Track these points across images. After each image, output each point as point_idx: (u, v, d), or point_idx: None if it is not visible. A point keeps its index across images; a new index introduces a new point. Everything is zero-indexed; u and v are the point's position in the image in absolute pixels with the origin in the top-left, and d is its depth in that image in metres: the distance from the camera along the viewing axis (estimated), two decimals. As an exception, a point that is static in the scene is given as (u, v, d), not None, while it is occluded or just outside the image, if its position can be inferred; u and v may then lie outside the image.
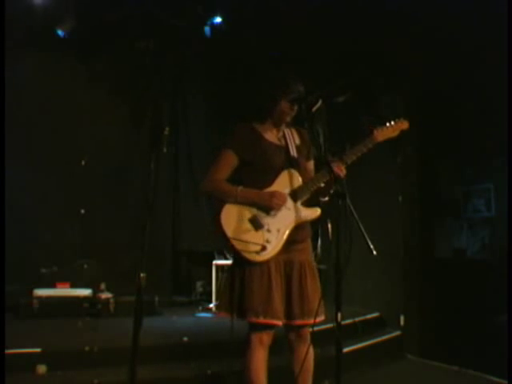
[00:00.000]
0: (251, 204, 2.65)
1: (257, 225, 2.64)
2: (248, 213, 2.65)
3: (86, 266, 5.38)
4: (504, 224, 4.56)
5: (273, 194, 2.64)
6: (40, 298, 4.80)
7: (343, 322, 2.44)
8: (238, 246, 2.60)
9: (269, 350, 2.74)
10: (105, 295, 5.05)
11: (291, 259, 2.69)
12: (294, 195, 2.69)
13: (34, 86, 5.42)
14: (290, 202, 2.68)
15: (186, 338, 3.98)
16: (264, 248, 2.60)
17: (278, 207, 2.64)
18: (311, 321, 2.64)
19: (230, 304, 2.67)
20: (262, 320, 2.58)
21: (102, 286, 5.20)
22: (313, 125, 2.82)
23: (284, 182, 2.71)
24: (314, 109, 2.88)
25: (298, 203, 2.69)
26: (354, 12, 5.13)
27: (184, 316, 5.19)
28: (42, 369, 3.39)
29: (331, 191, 2.68)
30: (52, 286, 5.06)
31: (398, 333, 5.12)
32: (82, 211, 5.61)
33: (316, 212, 2.71)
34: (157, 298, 5.14)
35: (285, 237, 2.64)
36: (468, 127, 4.95)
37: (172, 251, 6.35)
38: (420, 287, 5.26)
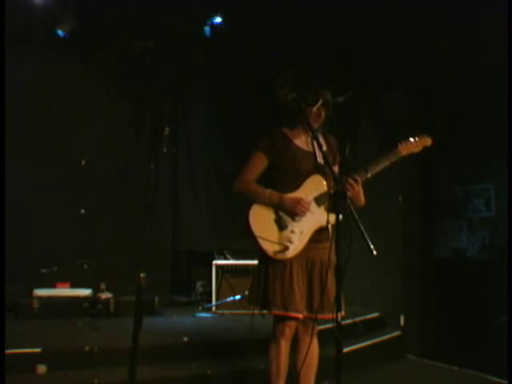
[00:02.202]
0: (277, 207, 2.83)
1: (281, 226, 2.83)
2: (274, 214, 2.84)
3: (85, 266, 5.38)
4: (504, 224, 4.57)
5: (297, 201, 2.81)
6: (40, 298, 4.79)
7: (343, 322, 2.44)
8: (263, 244, 2.79)
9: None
10: (105, 295, 5.05)
11: (313, 258, 2.85)
12: (319, 200, 2.84)
13: (34, 86, 5.41)
14: (314, 207, 2.84)
15: (185, 338, 3.98)
16: (286, 248, 2.78)
17: (302, 214, 2.81)
18: (331, 315, 2.74)
19: (256, 298, 2.87)
20: (283, 312, 2.76)
21: (102, 286, 5.19)
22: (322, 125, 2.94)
23: (310, 187, 2.86)
24: (315, 108, 2.90)
25: (322, 208, 2.84)
26: (354, 12, 5.13)
27: (184, 316, 5.18)
28: (42, 369, 3.39)
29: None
30: (52, 285, 5.05)
31: (397, 333, 5.11)
32: (82, 211, 5.60)
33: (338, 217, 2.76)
34: (157, 298, 5.14)
35: (307, 239, 2.82)
36: (468, 127, 4.95)
37: (172, 251, 6.34)
38: (420, 287, 5.27)
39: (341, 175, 2.80)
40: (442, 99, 5.20)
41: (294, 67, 5.26)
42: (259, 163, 2.93)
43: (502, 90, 4.33)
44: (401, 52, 5.29)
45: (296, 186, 2.86)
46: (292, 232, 2.81)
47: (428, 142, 3.04)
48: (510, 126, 4.34)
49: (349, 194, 2.73)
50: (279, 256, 2.78)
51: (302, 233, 2.81)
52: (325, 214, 2.77)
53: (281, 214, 2.83)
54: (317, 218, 2.82)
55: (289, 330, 2.84)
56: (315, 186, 2.85)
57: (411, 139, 2.98)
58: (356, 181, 2.81)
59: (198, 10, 5.76)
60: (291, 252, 2.78)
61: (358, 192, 2.83)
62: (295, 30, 5.51)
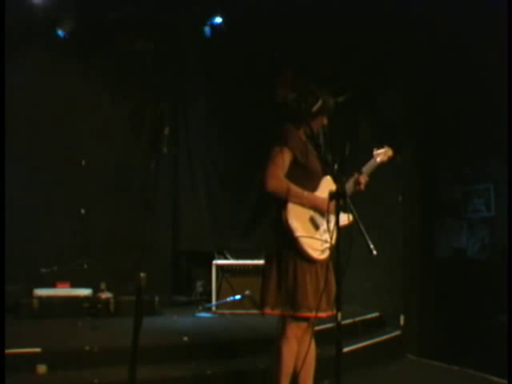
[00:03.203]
0: (312, 207, 2.83)
1: (316, 225, 2.84)
2: (308, 213, 2.84)
3: (85, 265, 5.38)
4: (504, 224, 4.57)
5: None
6: (40, 298, 4.80)
7: (343, 322, 2.44)
8: (305, 243, 2.75)
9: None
10: (105, 295, 5.05)
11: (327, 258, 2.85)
12: None
13: (34, 86, 5.42)
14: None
15: (186, 338, 3.98)
16: (328, 247, 2.78)
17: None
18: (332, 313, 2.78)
19: (278, 301, 2.80)
20: (314, 314, 2.74)
21: (102, 285, 5.20)
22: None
23: (326, 188, 2.84)
24: (314, 109, 2.90)
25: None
26: (354, 12, 5.13)
27: (184, 316, 5.19)
28: (42, 369, 3.39)
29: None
30: (52, 285, 5.06)
31: (397, 333, 5.11)
32: (82, 211, 5.61)
33: (350, 218, 2.75)
34: (157, 298, 5.14)
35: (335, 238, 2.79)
36: (468, 127, 4.95)
37: (172, 251, 6.34)
38: (420, 287, 5.26)
39: (341, 175, 2.80)
40: (441, 99, 5.19)
41: (293, 67, 5.28)
42: (287, 159, 2.86)
43: (501, 90, 4.33)
44: (400, 52, 5.29)
45: (314, 186, 2.90)
46: (325, 231, 2.82)
47: (389, 152, 3.17)
48: (510, 126, 4.34)
49: (362, 187, 2.95)
50: (320, 256, 2.78)
51: (332, 232, 2.80)
52: (342, 215, 2.73)
53: (312, 213, 2.84)
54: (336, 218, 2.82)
55: (301, 331, 2.84)
56: (330, 186, 2.83)
57: (379, 149, 3.14)
58: (365, 179, 2.97)
59: (198, 10, 5.76)
60: (329, 251, 2.80)
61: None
62: (295, 30, 5.50)
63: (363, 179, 2.98)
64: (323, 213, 2.83)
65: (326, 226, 2.83)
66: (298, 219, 2.79)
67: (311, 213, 2.84)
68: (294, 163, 2.88)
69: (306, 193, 2.83)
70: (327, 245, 2.79)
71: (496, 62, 4.44)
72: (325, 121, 2.97)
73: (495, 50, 4.42)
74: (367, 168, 3.06)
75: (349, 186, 2.93)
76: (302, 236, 2.75)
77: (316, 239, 2.77)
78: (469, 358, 4.50)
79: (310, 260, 2.78)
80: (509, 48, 4.22)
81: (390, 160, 3.20)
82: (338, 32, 5.36)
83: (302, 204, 2.81)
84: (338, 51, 5.55)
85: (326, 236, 2.81)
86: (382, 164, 3.15)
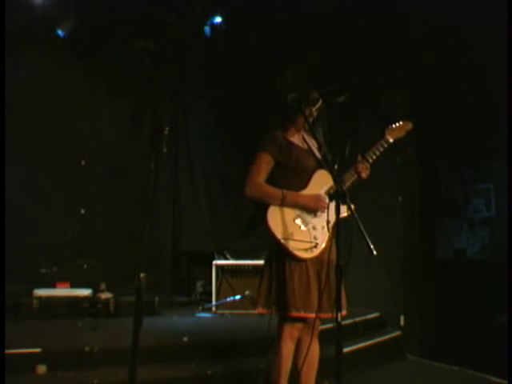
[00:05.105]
0: (295, 206, 2.82)
1: (303, 224, 2.80)
2: (292, 213, 2.81)
3: (85, 266, 5.38)
4: (504, 224, 4.57)
5: (318, 198, 2.83)
6: (40, 298, 4.80)
7: (343, 322, 2.44)
8: (290, 245, 2.74)
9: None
10: (105, 295, 5.05)
11: (322, 257, 2.81)
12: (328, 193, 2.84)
13: (34, 86, 5.41)
14: (328, 200, 2.82)
15: (185, 338, 3.97)
16: (315, 245, 2.77)
17: (323, 209, 2.81)
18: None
19: (268, 301, 2.81)
20: (302, 314, 2.73)
21: (102, 285, 5.20)
22: (313, 124, 2.92)
23: (319, 183, 2.88)
24: (314, 109, 2.91)
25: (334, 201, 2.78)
26: (355, 12, 5.13)
27: (184, 316, 5.19)
28: (42, 369, 3.39)
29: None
30: (52, 285, 5.06)
31: (397, 333, 5.12)
32: (82, 211, 5.61)
33: (348, 211, 2.73)
34: (157, 298, 5.14)
35: (329, 233, 2.78)
36: (468, 127, 4.95)
37: (172, 251, 6.34)
38: (420, 287, 5.27)
39: (340, 174, 2.80)
40: (441, 99, 5.19)
41: (293, 67, 5.27)
42: (266, 165, 2.89)
43: (501, 89, 4.33)
44: (401, 52, 5.29)
45: (304, 183, 2.87)
46: (314, 229, 2.80)
47: (409, 125, 3.08)
48: (510, 126, 4.34)
49: (363, 175, 2.90)
50: (307, 255, 2.75)
51: (323, 228, 2.81)
52: (342, 206, 2.69)
53: (299, 212, 2.82)
54: (332, 212, 2.73)
55: (297, 331, 2.83)
56: (323, 180, 2.85)
57: (394, 125, 3.04)
58: (367, 167, 2.92)
59: (198, 10, 5.76)
60: (319, 249, 2.77)
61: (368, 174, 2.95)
62: (295, 30, 5.51)
63: (362, 168, 2.90)
64: (310, 210, 2.82)
65: (316, 222, 2.81)
66: (279, 221, 2.78)
67: (297, 212, 2.81)
68: (277, 165, 2.90)
69: (285, 194, 2.80)
70: (318, 240, 2.77)
71: (496, 62, 4.45)
72: (314, 112, 2.93)
73: (495, 49, 4.42)
74: (374, 151, 2.96)
75: (349, 175, 2.89)
76: (284, 238, 2.73)
77: (297, 240, 2.74)
78: (469, 358, 4.50)
79: (298, 260, 2.76)
80: (509, 48, 4.23)
81: (409, 134, 3.07)
82: (338, 32, 5.36)
83: (285, 205, 2.80)
84: (338, 51, 5.54)
85: (315, 233, 2.79)
86: (398, 141, 3.02)
